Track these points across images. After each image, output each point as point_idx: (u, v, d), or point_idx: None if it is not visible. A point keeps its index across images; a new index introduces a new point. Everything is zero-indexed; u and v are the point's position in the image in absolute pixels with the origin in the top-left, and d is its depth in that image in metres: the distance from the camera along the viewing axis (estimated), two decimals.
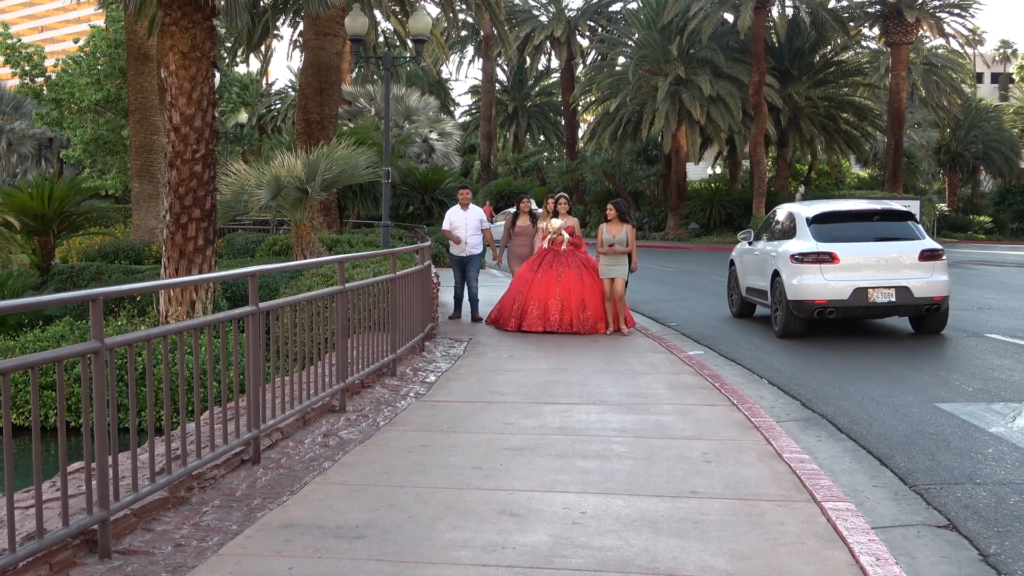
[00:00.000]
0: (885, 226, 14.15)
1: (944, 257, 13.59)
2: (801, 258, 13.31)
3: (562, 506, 5.67)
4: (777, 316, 13.88)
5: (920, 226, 14.45)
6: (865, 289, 13.01)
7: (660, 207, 50.43)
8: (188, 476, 5.73)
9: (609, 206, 13.93)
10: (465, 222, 15.01)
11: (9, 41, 38.35)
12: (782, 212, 15.42)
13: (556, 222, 13.92)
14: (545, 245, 13.98)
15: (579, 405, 8.72)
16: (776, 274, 13.75)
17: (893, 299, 13.04)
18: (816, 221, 13.81)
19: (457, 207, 15.29)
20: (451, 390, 9.46)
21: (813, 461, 6.80)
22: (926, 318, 13.58)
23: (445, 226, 15.33)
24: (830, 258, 13.18)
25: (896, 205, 16.23)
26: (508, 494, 5.90)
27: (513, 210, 16.22)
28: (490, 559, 4.81)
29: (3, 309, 4.49)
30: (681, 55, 44.61)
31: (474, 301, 15.06)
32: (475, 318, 14.93)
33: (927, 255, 13.37)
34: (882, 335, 13.90)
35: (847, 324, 14.62)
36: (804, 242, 13.59)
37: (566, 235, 13.89)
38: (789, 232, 14.30)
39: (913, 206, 39.69)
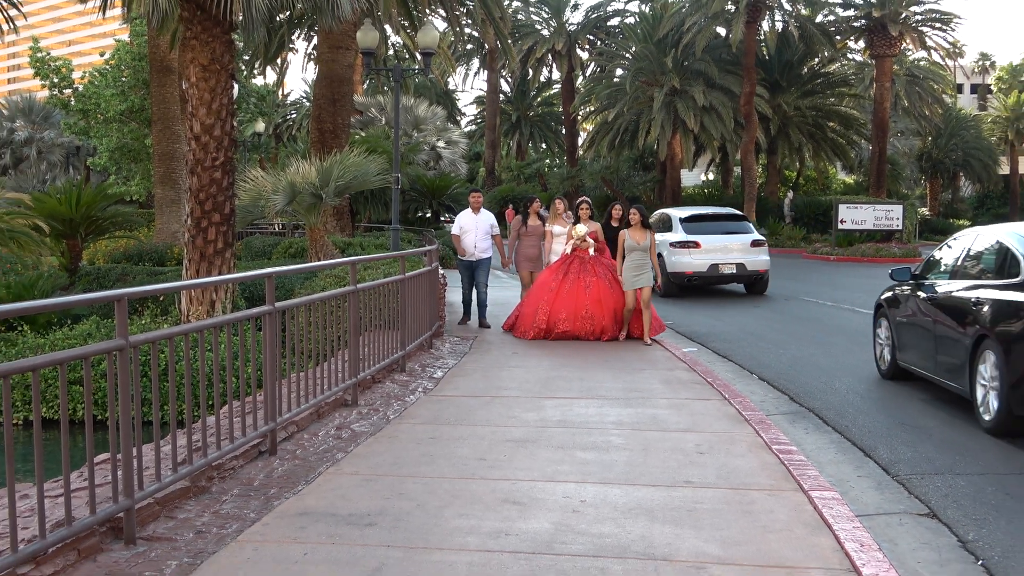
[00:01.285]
0: (730, 224, 19.85)
1: (766, 244, 19.72)
2: (678, 244, 18.82)
3: (562, 495, 5.67)
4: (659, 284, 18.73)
5: (751, 224, 20.85)
6: (717, 264, 18.61)
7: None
8: (208, 467, 5.75)
9: (633, 211, 12.53)
10: (476, 226, 13.76)
11: (39, 55, 38.44)
12: (662, 214, 20.79)
13: (581, 228, 12.69)
14: (568, 251, 12.81)
15: (579, 399, 8.72)
16: (660, 256, 18.00)
17: (734, 271, 18.81)
18: (686, 220, 19.42)
19: (468, 211, 14.08)
20: (457, 385, 9.47)
21: (801, 452, 6.80)
22: (755, 284, 19.34)
23: (454, 230, 14.11)
24: (695, 244, 18.70)
25: (735, 210, 23.12)
26: (511, 484, 5.91)
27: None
28: (495, 545, 4.81)
29: (33, 309, 4.50)
30: (676, 67, 44.60)
31: (482, 307, 13.94)
32: (482, 324, 13.82)
33: (755, 243, 19.17)
34: (865, 336, 13.89)
35: (833, 324, 14.70)
36: (679, 234, 19.01)
37: (591, 241, 12.76)
38: (668, 227, 19.48)
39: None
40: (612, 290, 12.54)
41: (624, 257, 12.39)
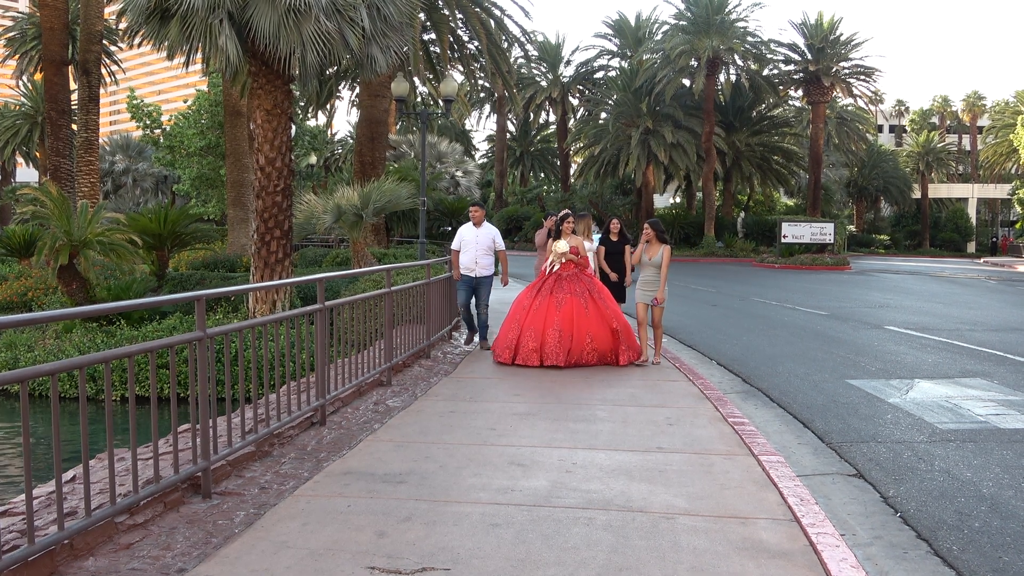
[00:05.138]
0: None
1: None
2: None
3: (558, 459, 5.65)
4: None
5: None
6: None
7: (633, 229, 50.30)
8: (270, 435, 5.74)
9: (647, 227, 9.80)
10: (476, 241, 10.66)
11: (134, 102, 38.60)
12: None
13: (562, 244, 9.77)
14: (547, 269, 9.89)
15: (570, 381, 8.67)
16: None
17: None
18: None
19: (469, 224, 10.84)
20: (472, 369, 9.44)
21: (751, 424, 6.77)
22: None
23: (454, 245, 10.86)
24: None
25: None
26: (516, 449, 5.89)
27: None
28: (503, 499, 4.80)
29: (129, 307, 4.51)
30: (649, 111, 44.57)
31: (483, 328, 10.94)
32: (483, 346, 10.84)
33: None
34: (804, 329, 13.84)
35: (777, 319, 14.64)
36: None
37: (573, 256, 9.80)
38: None
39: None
40: (587, 311, 9.52)
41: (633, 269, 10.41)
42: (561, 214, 10.04)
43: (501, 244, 10.92)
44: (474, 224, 10.78)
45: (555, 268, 9.78)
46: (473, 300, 10.86)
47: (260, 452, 5.58)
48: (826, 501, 5.14)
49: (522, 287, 10.79)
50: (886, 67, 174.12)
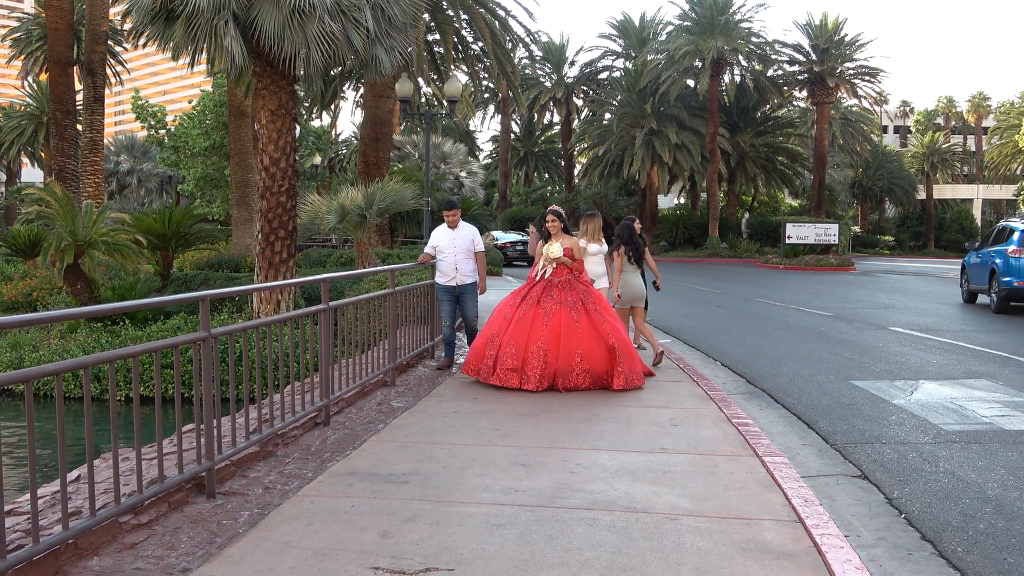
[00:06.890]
0: None
1: None
2: None
3: (561, 459, 5.64)
4: None
5: None
6: None
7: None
8: (275, 435, 5.74)
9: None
10: (453, 245, 9.29)
11: (139, 102, 38.70)
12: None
13: (556, 249, 8.34)
14: (536, 275, 8.52)
15: None
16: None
17: None
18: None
19: (444, 226, 9.47)
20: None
21: (756, 425, 6.76)
22: None
23: (427, 250, 9.59)
24: None
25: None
26: (520, 450, 5.88)
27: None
28: (506, 499, 4.79)
29: (133, 307, 4.52)
30: (654, 112, 44.56)
31: (472, 334, 9.72)
32: None
33: None
34: (808, 330, 13.82)
35: (781, 320, 14.62)
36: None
37: (567, 260, 8.38)
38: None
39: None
40: (578, 325, 8.10)
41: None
42: (549, 210, 8.67)
43: (481, 245, 9.54)
44: (449, 227, 9.44)
45: (546, 274, 8.45)
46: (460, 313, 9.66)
47: (264, 452, 5.58)
48: (830, 502, 5.12)
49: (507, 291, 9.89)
50: (891, 68, 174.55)
